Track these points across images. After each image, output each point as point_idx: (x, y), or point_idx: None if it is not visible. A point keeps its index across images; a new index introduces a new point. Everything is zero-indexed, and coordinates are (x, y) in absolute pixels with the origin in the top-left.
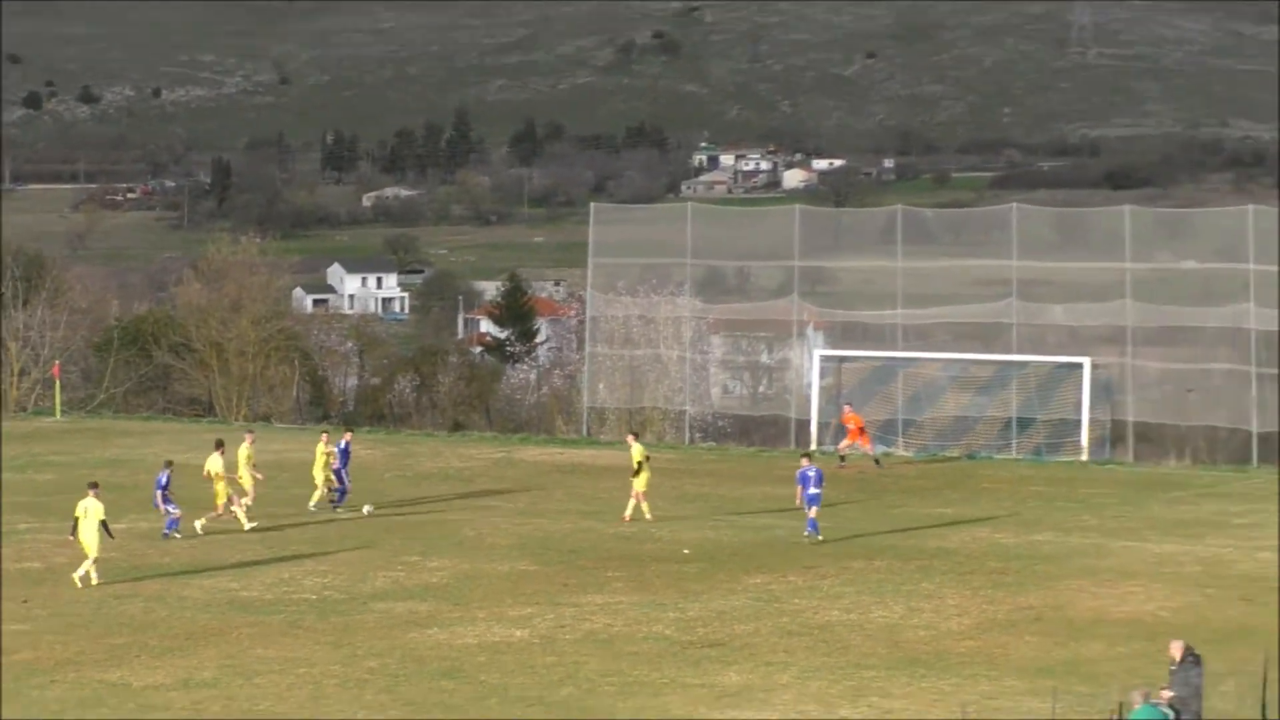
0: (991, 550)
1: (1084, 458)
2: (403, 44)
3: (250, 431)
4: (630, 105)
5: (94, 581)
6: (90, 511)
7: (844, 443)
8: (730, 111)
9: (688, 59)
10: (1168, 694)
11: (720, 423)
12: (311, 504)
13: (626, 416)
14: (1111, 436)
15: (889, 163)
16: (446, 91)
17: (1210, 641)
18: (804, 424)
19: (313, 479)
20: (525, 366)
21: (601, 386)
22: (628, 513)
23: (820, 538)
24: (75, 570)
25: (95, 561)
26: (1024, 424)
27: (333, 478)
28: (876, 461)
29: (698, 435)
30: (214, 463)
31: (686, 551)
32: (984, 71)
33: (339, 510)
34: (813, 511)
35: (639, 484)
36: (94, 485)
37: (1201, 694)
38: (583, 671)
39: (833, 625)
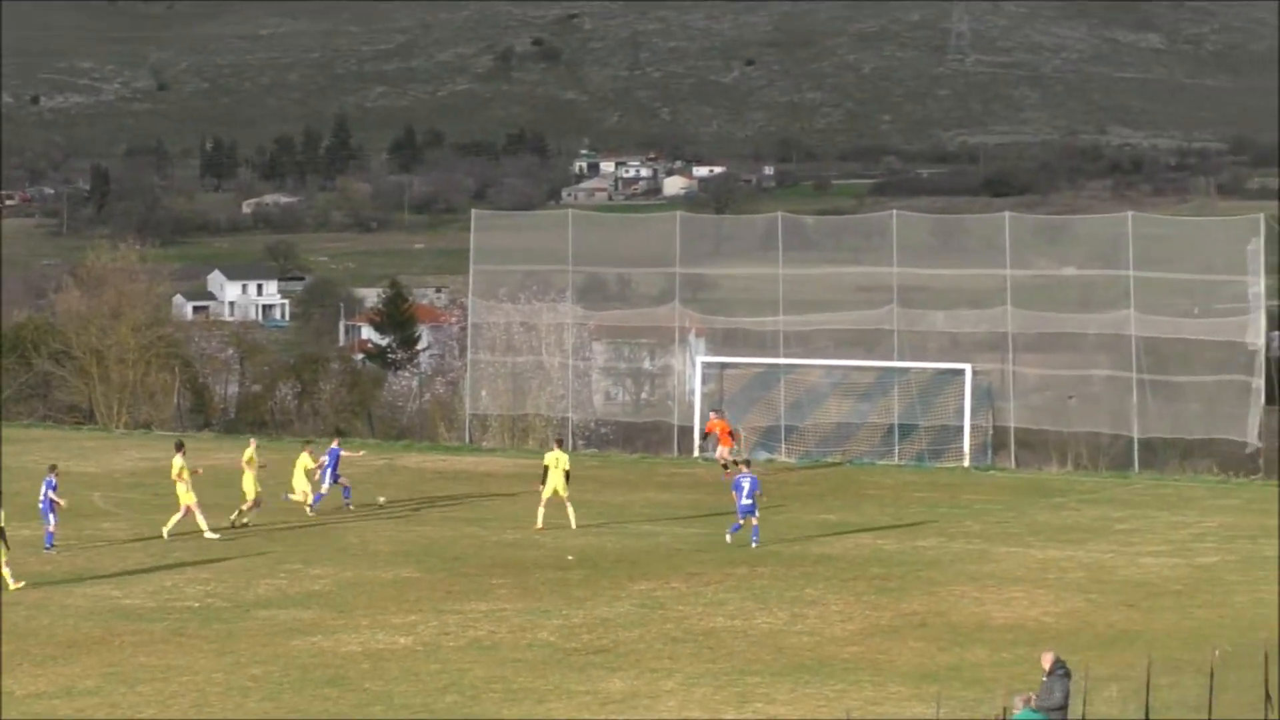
0: (875, 556)
1: (966, 464)
2: (282, 50)
3: (253, 438)
4: (510, 112)
5: None
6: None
7: (720, 450)
8: (610, 119)
9: (567, 66)
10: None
11: (603, 429)
12: (308, 508)
13: (509, 423)
14: (993, 443)
15: (769, 170)
16: (326, 98)
17: (1093, 646)
18: (686, 430)
19: (292, 488)
20: (407, 373)
21: (484, 393)
22: (572, 522)
23: (729, 540)
24: None
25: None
26: (906, 430)
27: (320, 484)
28: (725, 467)
29: (580, 442)
30: (177, 464)
31: (570, 558)
32: (863, 78)
33: (312, 511)
34: (752, 520)
35: (545, 490)
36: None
37: (1066, 706)
38: (467, 679)
39: (717, 632)
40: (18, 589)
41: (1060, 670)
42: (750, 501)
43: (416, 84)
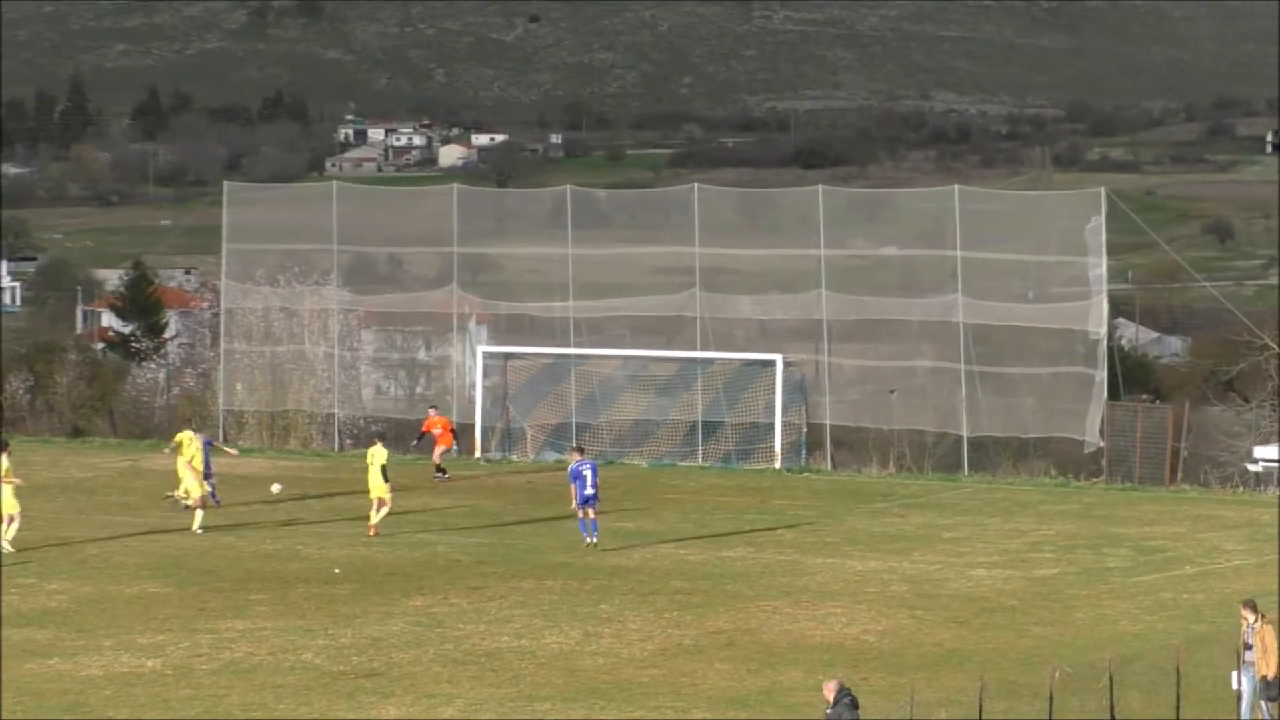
0: (676, 568)
1: (777, 465)
2: (9, 5)
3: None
4: (267, 73)
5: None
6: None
7: (437, 451)
8: (379, 81)
9: (330, 22)
10: None
11: (374, 427)
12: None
13: (268, 420)
14: (807, 442)
15: (556, 138)
16: (60, 58)
17: (919, 668)
18: (468, 428)
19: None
20: (153, 365)
21: (239, 387)
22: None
23: (595, 541)
24: None
25: None
26: (711, 428)
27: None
28: (441, 470)
29: (348, 441)
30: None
31: (337, 571)
32: (660, 37)
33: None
34: (591, 512)
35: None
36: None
37: None
38: (222, 706)
39: (502, 652)
40: None
41: (845, 699)
42: (594, 491)
43: (161, 41)
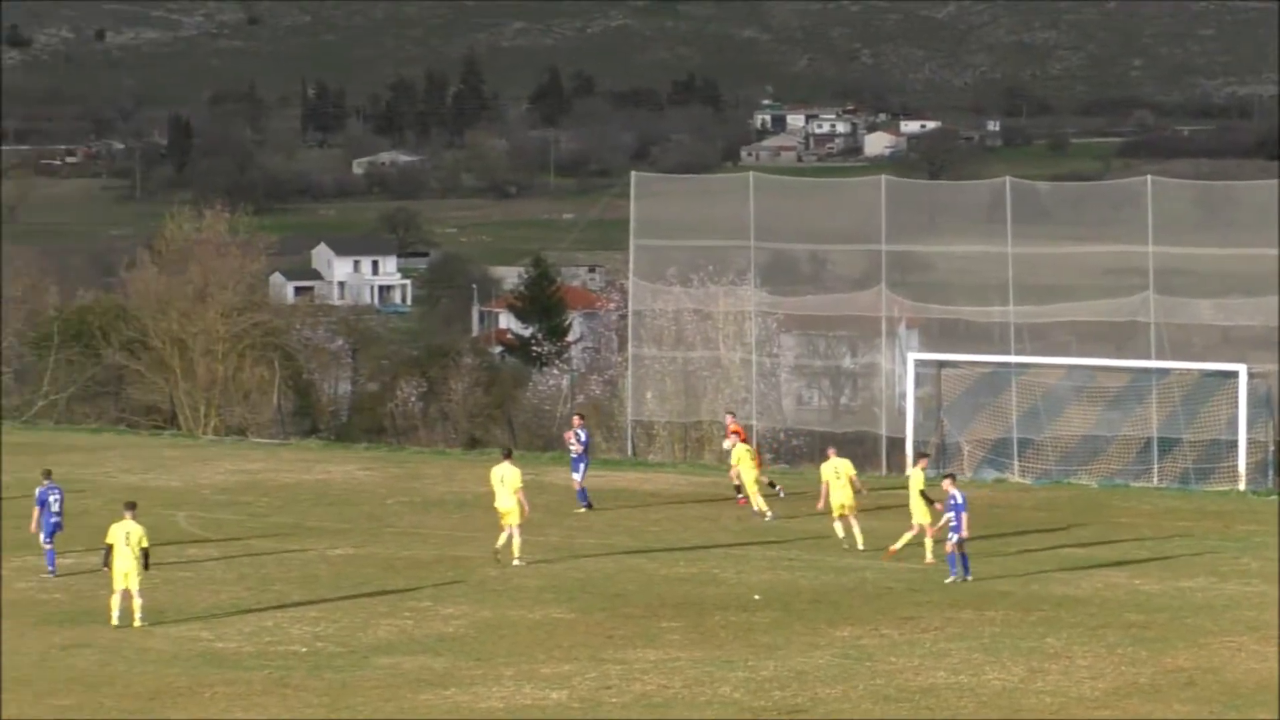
0: (1130, 599)
1: (1241, 487)
2: None
3: (925, 456)
4: (676, 54)
5: (135, 622)
6: (131, 536)
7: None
8: (798, 62)
9: None
10: None
11: (795, 440)
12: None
13: (680, 432)
14: (1275, 461)
15: (993, 125)
16: (453, 36)
17: None
18: (898, 443)
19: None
20: (555, 371)
21: (649, 395)
22: (859, 543)
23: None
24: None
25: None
26: (1167, 445)
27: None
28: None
29: (768, 455)
30: (516, 476)
31: (757, 597)
32: (1107, 15)
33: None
34: (952, 544)
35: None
36: (131, 506)
37: None
38: None
39: (938, 689)
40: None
41: None
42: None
43: (562, 19)
